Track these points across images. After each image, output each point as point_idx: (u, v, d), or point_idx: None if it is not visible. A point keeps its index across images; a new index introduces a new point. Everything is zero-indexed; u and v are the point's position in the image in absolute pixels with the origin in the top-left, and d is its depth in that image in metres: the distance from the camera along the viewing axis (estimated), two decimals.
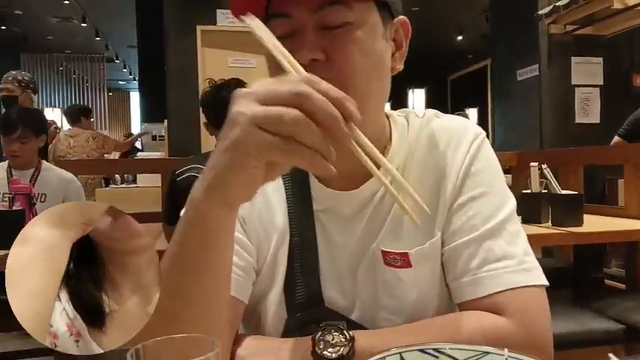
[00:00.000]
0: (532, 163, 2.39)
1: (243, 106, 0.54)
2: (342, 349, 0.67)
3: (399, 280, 0.80)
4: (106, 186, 5.42)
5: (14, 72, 4.14)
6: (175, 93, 5.09)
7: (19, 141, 2.65)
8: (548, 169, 2.37)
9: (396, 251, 0.79)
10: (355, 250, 0.82)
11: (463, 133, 0.82)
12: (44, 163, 2.83)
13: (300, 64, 0.59)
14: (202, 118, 2.44)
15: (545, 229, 2.21)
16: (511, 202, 0.80)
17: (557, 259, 2.96)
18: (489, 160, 0.82)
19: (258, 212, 0.84)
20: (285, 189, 0.85)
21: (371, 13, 0.73)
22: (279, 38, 0.60)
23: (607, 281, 2.98)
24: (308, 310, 0.81)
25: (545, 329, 0.74)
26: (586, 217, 2.37)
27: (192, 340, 0.54)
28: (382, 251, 0.80)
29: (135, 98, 13.76)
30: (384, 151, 0.82)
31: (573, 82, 4.67)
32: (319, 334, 0.70)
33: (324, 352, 0.67)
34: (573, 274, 2.70)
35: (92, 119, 6.04)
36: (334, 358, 0.67)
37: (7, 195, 2.45)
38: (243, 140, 0.53)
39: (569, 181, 2.95)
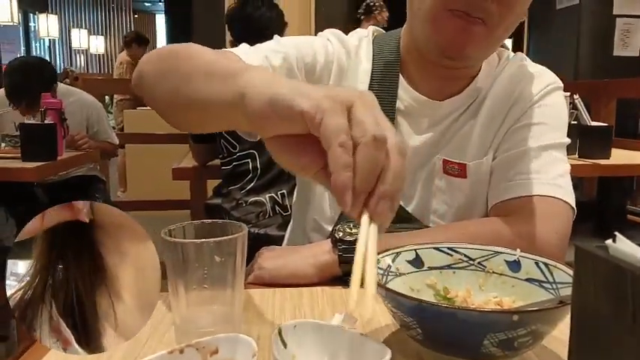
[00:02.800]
0: (564, 93, 2.33)
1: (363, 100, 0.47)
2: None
3: (452, 188, 0.88)
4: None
5: None
6: (201, 13, 5.01)
7: (27, 111, 2.44)
8: (579, 99, 2.31)
9: (456, 161, 0.88)
10: (422, 156, 0.89)
11: (543, 77, 0.90)
12: (60, 86, 2.69)
13: None
14: (228, 37, 2.41)
15: (571, 160, 2.18)
16: (564, 139, 0.87)
17: (582, 193, 2.94)
18: (558, 104, 0.89)
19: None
20: (372, 75, 0.89)
21: None
22: None
23: (630, 216, 2.98)
24: None
25: (554, 235, 0.77)
26: (614, 150, 2.34)
27: (222, 225, 0.58)
28: (444, 160, 0.88)
29: (161, 20, 13.57)
30: (474, 77, 0.89)
31: (615, 12, 4.42)
32: (340, 225, 0.77)
33: (343, 237, 0.74)
34: (596, 208, 2.70)
35: (147, 48, 6.17)
36: (350, 240, 0.72)
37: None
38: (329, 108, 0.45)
39: (601, 113, 2.87)
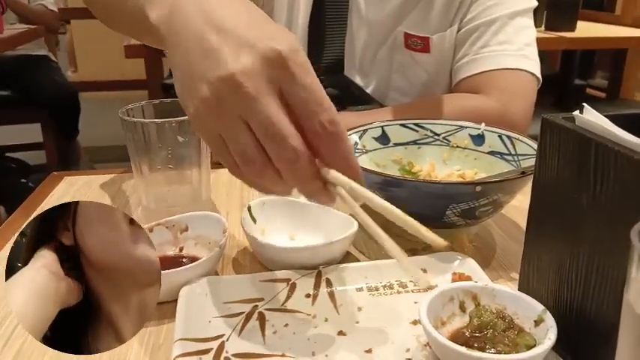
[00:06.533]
0: None
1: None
2: None
3: (414, 64, 0.85)
4: None
5: None
6: None
7: None
8: None
9: (419, 35, 0.83)
10: (381, 31, 0.85)
11: None
12: None
13: None
14: None
15: (537, 32, 2.16)
16: (531, 1, 0.84)
17: (546, 66, 2.95)
18: None
19: None
20: None
21: None
22: None
23: (589, 90, 3.03)
24: (329, 75, 0.84)
25: (521, 109, 0.78)
26: (580, 23, 2.32)
27: None
28: (405, 34, 0.84)
29: None
30: None
31: None
32: None
33: None
34: (558, 82, 2.73)
35: None
36: None
37: None
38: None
39: None
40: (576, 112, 0.35)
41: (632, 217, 0.31)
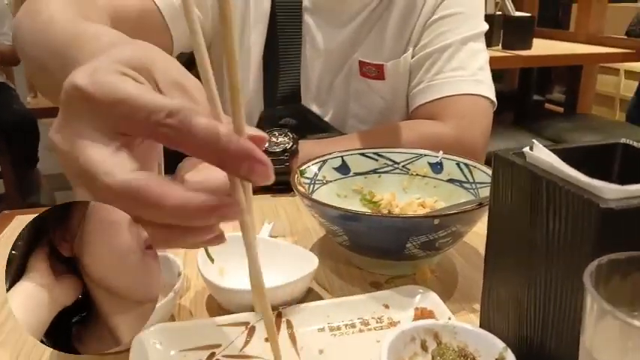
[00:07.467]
0: None
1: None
2: (286, 146, 0.71)
3: (370, 91, 0.86)
4: None
5: None
6: None
7: None
8: None
9: (373, 62, 0.84)
10: (336, 59, 0.85)
11: None
12: None
13: None
14: None
15: (495, 51, 2.22)
16: (482, 25, 0.85)
17: (504, 84, 3.03)
18: None
19: None
20: None
21: None
22: None
23: (547, 105, 3.13)
24: (286, 105, 0.84)
25: (478, 134, 0.79)
26: (536, 41, 2.40)
27: None
28: (360, 62, 0.85)
29: None
30: None
31: None
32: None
33: (269, 148, 0.71)
34: (517, 98, 2.80)
35: None
36: (277, 152, 0.70)
37: None
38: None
39: (525, 1, 2.90)
40: (526, 149, 0.35)
41: (584, 254, 0.31)
